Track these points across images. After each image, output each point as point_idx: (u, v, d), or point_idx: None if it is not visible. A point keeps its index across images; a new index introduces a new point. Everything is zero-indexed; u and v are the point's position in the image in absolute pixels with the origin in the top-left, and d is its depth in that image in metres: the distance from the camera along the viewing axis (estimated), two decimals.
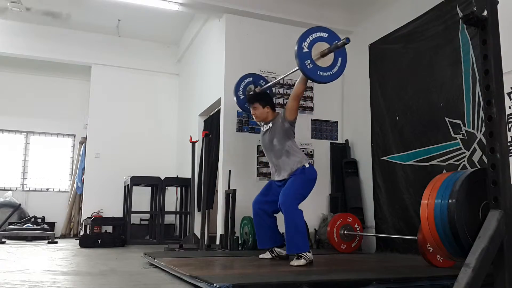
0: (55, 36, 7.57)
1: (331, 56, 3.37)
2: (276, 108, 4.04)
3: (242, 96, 4.52)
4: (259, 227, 3.83)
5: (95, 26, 7.56)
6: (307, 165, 3.68)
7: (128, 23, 7.42)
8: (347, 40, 3.28)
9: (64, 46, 7.60)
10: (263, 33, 5.75)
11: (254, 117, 4.00)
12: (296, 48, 3.29)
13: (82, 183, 7.70)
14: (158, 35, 7.88)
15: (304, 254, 3.41)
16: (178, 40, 8.07)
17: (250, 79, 4.58)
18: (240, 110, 4.88)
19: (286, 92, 5.60)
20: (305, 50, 3.29)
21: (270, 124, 3.84)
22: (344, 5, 6.00)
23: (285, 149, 3.71)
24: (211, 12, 5.97)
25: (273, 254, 3.77)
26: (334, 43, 3.37)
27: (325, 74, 3.35)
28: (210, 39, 6.42)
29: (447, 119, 4.17)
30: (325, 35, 3.40)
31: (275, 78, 5.62)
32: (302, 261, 3.37)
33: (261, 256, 3.79)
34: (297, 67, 3.40)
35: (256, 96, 4.05)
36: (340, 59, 3.40)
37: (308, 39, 3.33)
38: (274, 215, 3.82)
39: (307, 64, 3.28)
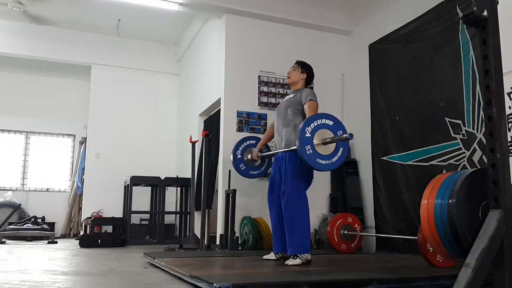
0: (55, 36, 7.57)
1: (332, 145, 3.29)
2: (309, 86, 4.00)
3: (239, 156, 4.36)
4: (277, 229, 3.73)
5: (95, 26, 7.56)
6: None
7: (128, 23, 7.42)
8: (350, 136, 3.19)
9: (64, 46, 7.60)
10: (263, 33, 5.75)
11: (287, 75, 3.99)
12: (298, 132, 3.23)
13: (82, 183, 7.70)
14: (158, 35, 7.88)
15: (301, 254, 3.41)
16: (178, 40, 8.07)
17: (253, 141, 4.44)
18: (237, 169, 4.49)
19: (286, 92, 5.60)
20: (308, 135, 3.22)
21: (293, 95, 3.84)
22: (344, 5, 6.01)
23: (294, 122, 3.70)
24: (211, 12, 5.97)
25: (277, 255, 3.76)
26: (338, 133, 3.29)
27: (323, 162, 3.26)
28: (210, 39, 6.42)
29: (447, 119, 4.17)
30: (330, 122, 3.31)
31: (275, 78, 5.64)
32: (297, 261, 3.36)
33: (265, 257, 3.77)
34: (295, 147, 3.34)
35: (302, 62, 4.02)
36: (341, 149, 3.32)
37: (312, 124, 3.25)
38: None
39: (307, 149, 3.20)
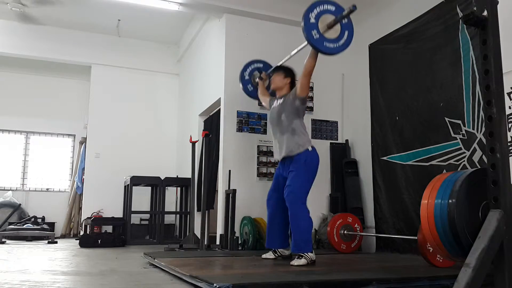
0: (55, 36, 7.57)
1: (337, 28, 3.36)
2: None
3: (247, 78, 4.57)
4: (271, 224, 3.79)
5: (95, 26, 7.56)
6: (310, 149, 3.63)
7: (128, 23, 7.42)
8: (354, 7, 3.25)
9: (64, 46, 7.60)
10: (263, 33, 5.75)
11: (271, 84, 3.99)
12: (303, 19, 3.28)
13: (82, 183, 7.70)
14: (158, 35, 7.89)
15: (306, 254, 3.40)
16: (178, 40, 8.08)
17: (260, 65, 4.60)
18: (244, 93, 4.79)
19: None
20: (312, 21, 3.28)
21: (282, 100, 3.81)
22: (344, 5, 5.99)
23: (292, 126, 3.66)
24: (211, 12, 5.97)
25: (276, 254, 3.76)
26: (340, 13, 3.37)
27: (331, 45, 3.35)
28: (210, 39, 6.42)
29: (447, 119, 4.17)
30: (332, 8, 3.40)
31: None
32: (302, 261, 3.36)
33: (263, 256, 3.78)
34: (305, 42, 3.41)
35: (284, 66, 4.06)
36: (346, 32, 3.40)
37: (315, 10, 3.32)
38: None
39: (313, 34, 3.27)
